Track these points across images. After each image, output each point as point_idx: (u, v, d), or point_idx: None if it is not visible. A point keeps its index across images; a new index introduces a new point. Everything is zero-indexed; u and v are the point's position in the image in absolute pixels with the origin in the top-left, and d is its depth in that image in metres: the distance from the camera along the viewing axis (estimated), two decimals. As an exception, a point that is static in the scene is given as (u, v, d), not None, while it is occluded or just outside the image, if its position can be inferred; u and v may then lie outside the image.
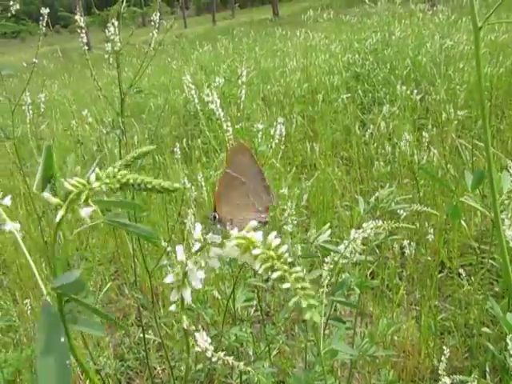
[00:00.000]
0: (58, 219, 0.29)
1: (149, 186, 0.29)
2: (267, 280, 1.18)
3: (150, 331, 1.57)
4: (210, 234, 0.32)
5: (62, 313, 0.32)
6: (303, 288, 0.26)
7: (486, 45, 3.77)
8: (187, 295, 0.33)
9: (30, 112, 1.20)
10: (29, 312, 1.42)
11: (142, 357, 1.59)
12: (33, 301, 1.60)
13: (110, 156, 2.62)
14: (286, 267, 0.27)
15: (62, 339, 0.29)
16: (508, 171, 1.41)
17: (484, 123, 0.42)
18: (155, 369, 1.54)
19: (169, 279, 0.33)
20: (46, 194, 0.29)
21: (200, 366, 1.23)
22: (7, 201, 0.32)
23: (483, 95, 0.41)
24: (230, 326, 1.06)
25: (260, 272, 0.28)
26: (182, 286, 0.33)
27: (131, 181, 0.29)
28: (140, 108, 4.43)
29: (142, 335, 1.55)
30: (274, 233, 0.29)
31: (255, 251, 0.28)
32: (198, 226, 0.33)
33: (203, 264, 0.32)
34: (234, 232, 0.30)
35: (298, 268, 0.27)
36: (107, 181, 0.28)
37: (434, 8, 5.64)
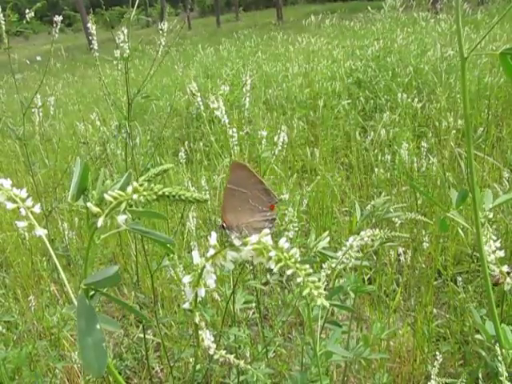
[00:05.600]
0: (99, 225, 0.33)
1: (183, 198, 0.33)
2: (265, 283, 1.20)
3: (149, 331, 1.59)
4: (234, 237, 0.36)
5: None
6: (313, 281, 0.32)
7: (487, 54, 3.80)
8: (202, 293, 0.37)
9: (40, 114, 1.22)
10: (32, 308, 1.43)
11: (140, 356, 1.60)
12: (34, 298, 1.62)
13: (113, 157, 2.64)
14: (297, 265, 0.33)
15: (98, 326, 0.34)
16: (502, 184, 1.43)
17: (468, 150, 0.44)
18: (153, 368, 1.56)
19: (186, 279, 0.36)
20: (89, 204, 0.33)
21: (198, 366, 1.25)
22: (37, 209, 0.34)
23: (469, 124, 0.44)
24: (228, 328, 1.08)
25: (275, 270, 0.33)
26: (198, 286, 0.36)
27: (167, 193, 0.32)
28: (142, 109, 4.45)
29: (140, 335, 1.57)
30: (284, 238, 0.34)
31: (271, 253, 0.33)
32: (214, 234, 0.36)
33: (219, 266, 0.36)
34: (252, 239, 0.35)
35: (307, 265, 0.33)
36: (145, 193, 0.31)
37: (437, 16, 5.67)
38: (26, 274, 2.04)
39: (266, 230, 0.35)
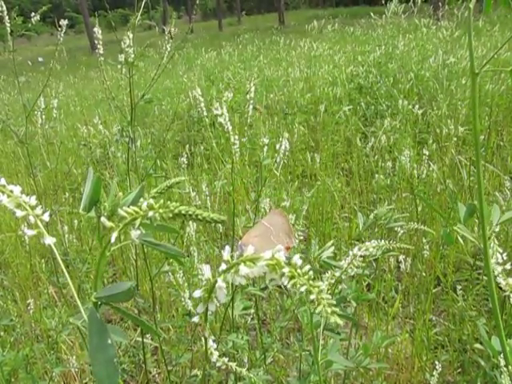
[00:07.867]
0: (113, 240, 0.33)
1: (200, 218, 0.32)
2: (264, 289, 1.20)
3: (147, 335, 1.58)
4: (250, 249, 0.35)
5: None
6: (326, 298, 0.32)
7: (497, 70, 3.80)
8: (213, 308, 0.38)
9: (43, 117, 1.22)
10: (31, 311, 1.43)
11: (137, 360, 1.60)
12: (32, 300, 1.62)
13: (114, 159, 2.64)
14: (311, 282, 0.33)
15: (109, 341, 0.34)
16: (502, 192, 1.43)
17: (477, 164, 0.44)
18: (151, 372, 1.55)
19: (197, 294, 0.36)
20: (103, 219, 0.33)
21: (195, 371, 1.25)
22: (46, 217, 0.34)
23: (478, 141, 0.43)
24: (227, 333, 1.08)
25: (288, 287, 0.33)
26: (209, 300, 0.36)
27: (183, 211, 0.32)
28: (144, 111, 4.45)
29: (138, 339, 1.56)
30: (297, 255, 0.34)
31: (284, 270, 0.33)
32: (228, 248, 0.36)
33: (230, 281, 0.35)
34: (265, 254, 0.34)
35: (320, 282, 0.33)
36: (161, 210, 0.31)
37: (439, 23, 5.68)
38: (25, 275, 2.04)
39: (280, 246, 0.35)
